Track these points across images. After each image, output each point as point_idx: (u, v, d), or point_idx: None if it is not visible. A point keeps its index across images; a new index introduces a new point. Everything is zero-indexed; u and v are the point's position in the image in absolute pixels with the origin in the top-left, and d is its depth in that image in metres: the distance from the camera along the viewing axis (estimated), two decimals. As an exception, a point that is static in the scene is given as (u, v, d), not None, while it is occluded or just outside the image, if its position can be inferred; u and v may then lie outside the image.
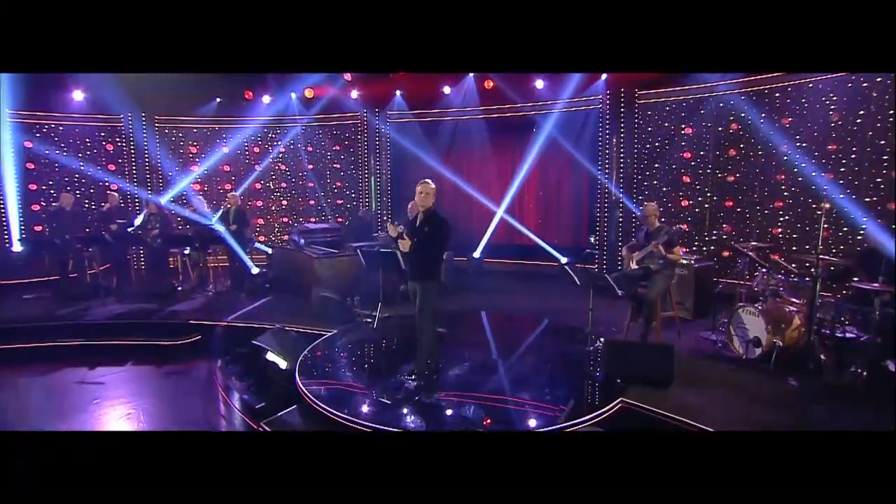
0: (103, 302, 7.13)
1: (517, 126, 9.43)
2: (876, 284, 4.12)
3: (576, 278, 5.21)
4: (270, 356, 4.65)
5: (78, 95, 8.98)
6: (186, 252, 8.19)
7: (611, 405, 3.94)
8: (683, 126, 7.97)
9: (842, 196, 6.38)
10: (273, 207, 10.48)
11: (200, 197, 8.11)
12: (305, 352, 5.00)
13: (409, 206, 6.88)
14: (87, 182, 9.31)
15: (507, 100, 9.20)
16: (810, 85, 6.80)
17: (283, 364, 4.61)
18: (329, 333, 5.65)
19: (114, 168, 9.58)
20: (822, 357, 4.26)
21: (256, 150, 10.33)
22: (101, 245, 7.66)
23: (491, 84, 8.89)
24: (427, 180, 4.29)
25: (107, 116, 9.41)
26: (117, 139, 9.61)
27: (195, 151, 10.16)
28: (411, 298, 4.43)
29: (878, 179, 6.23)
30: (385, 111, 10.09)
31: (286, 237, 10.26)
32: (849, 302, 4.42)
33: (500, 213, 9.04)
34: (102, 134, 9.51)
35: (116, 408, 4.75)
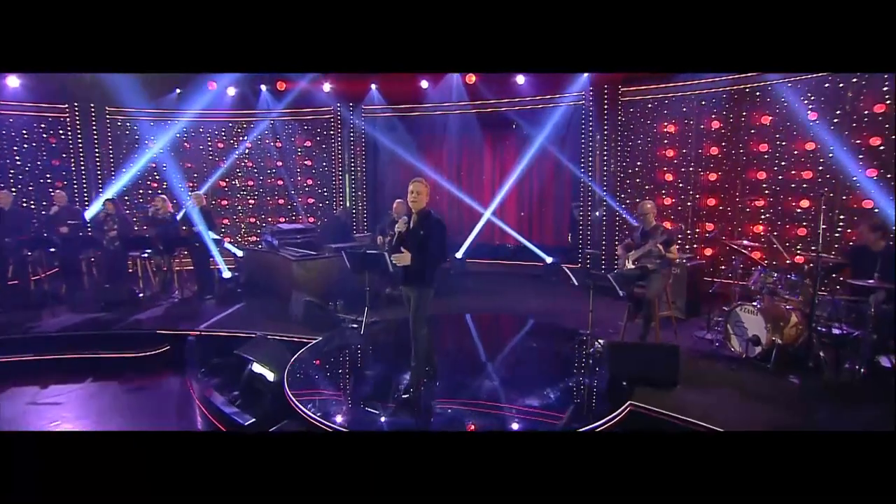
0: (52, 312, 6.63)
1: (498, 123, 9.42)
2: (871, 281, 4.27)
3: (573, 279, 5.20)
4: (257, 368, 4.41)
5: (13, 81, 8.25)
6: (146, 255, 7.73)
7: (620, 409, 3.93)
8: (666, 123, 8.15)
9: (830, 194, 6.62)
10: (239, 207, 10.07)
11: (164, 196, 7.65)
12: (292, 361, 4.78)
13: (395, 205, 6.75)
14: (26, 178, 8.65)
15: (488, 96, 9.17)
16: (789, 84, 7.07)
17: (271, 376, 4.37)
18: (314, 341, 5.43)
19: (58, 163, 8.95)
20: (821, 354, 4.40)
21: (221, 145, 9.89)
22: (47, 247, 7.12)
23: (473, 79, 8.82)
24: (420, 178, 4.08)
25: (49, 106, 8.77)
26: (60, 131, 8.96)
27: (152, 146, 9.62)
28: (405, 303, 4.26)
29: (854, 178, 6.52)
30: (360, 106, 9.86)
31: (254, 238, 9.91)
32: (844, 299, 4.57)
33: (487, 213, 8.98)
34: (43, 125, 8.85)
35: (81, 430, 4.40)
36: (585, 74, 8.47)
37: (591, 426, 3.70)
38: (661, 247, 4.92)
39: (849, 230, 6.56)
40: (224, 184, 9.93)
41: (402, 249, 4.02)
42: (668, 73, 7.82)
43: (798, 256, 6.97)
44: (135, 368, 5.55)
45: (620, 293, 4.74)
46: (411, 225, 4.07)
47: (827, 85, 6.69)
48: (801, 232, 7.04)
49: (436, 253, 4.05)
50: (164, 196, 7.62)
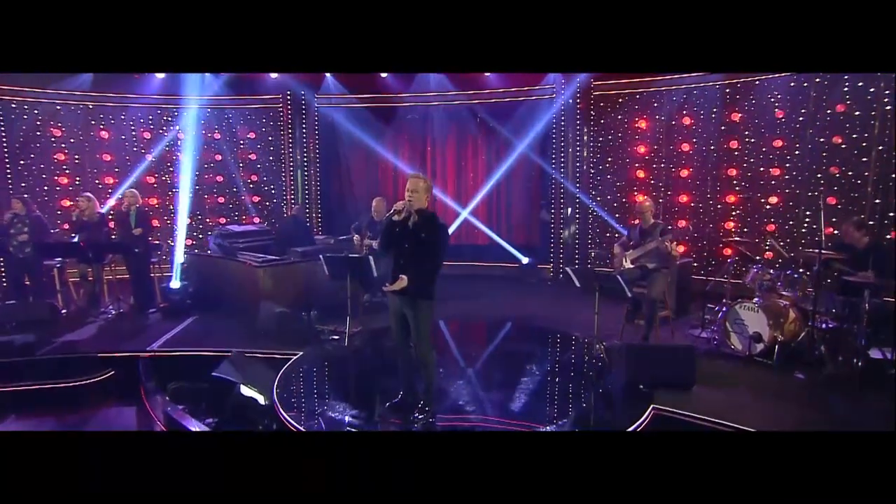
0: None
1: (465, 116, 9.41)
2: (862, 279, 4.66)
3: (575, 280, 5.27)
4: (245, 391, 4.07)
5: None
6: (58, 263, 6.94)
7: (645, 414, 4.03)
8: (637, 119, 8.51)
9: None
10: (171, 206, 9.31)
11: (89, 195, 6.88)
12: (277, 381, 4.47)
13: (374, 202, 6.53)
14: None
15: (454, 88, 9.13)
16: (756, 82, 7.62)
17: (262, 399, 4.06)
18: (295, 357, 5.12)
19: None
20: (822, 349, 4.76)
21: (147, 135, 9.10)
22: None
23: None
24: (418, 175, 3.85)
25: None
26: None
27: (60, 135, 8.69)
28: (394, 319, 3.97)
29: (819, 175, 7.15)
30: (314, 95, 9.46)
31: (189, 241, 9.21)
32: (838, 293, 4.97)
33: (465, 213, 8.91)
34: None
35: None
36: (557, 67, 8.67)
37: (621, 430, 3.77)
38: (668, 244, 5.10)
39: (814, 226, 7.18)
40: (153, 180, 9.15)
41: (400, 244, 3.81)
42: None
43: (768, 252, 7.55)
44: (72, 400, 4.94)
45: (629, 294, 4.86)
46: (410, 225, 3.78)
47: (792, 84, 7.27)
48: (770, 228, 7.61)
49: (438, 262, 3.83)
50: (89, 194, 6.86)
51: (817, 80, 7.10)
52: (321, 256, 5.48)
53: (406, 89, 9.22)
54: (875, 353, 4.82)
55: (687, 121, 8.17)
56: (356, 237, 6.32)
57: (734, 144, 7.82)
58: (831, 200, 7.01)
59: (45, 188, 8.66)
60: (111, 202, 8.65)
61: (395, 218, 3.75)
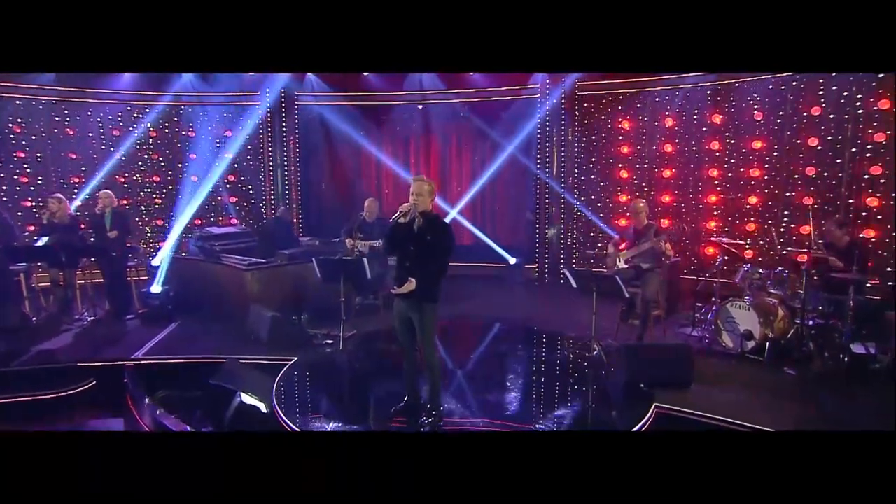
0: None
1: (450, 115, 9.46)
2: (849, 275, 4.94)
3: (572, 280, 5.40)
4: (247, 399, 4.03)
5: None
6: (21, 267, 6.66)
7: (649, 413, 4.16)
8: (621, 119, 8.72)
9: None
10: (143, 207, 9.06)
11: (60, 195, 6.62)
12: (275, 388, 4.43)
13: (366, 203, 6.52)
14: None
15: (439, 87, 9.18)
16: (736, 85, 7.91)
17: (264, 407, 4.03)
18: (289, 361, 5.07)
19: None
20: (810, 345, 5.01)
21: (117, 133, 8.82)
22: None
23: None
24: (422, 178, 3.88)
25: None
26: None
27: (20, 132, 8.33)
28: (398, 322, 3.99)
29: (797, 176, 7.48)
30: (294, 92, 9.35)
31: (162, 243, 8.99)
32: (823, 291, 5.24)
33: (453, 213, 8.93)
34: None
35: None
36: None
37: (626, 430, 3.89)
38: (663, 244, 5.27)
39: (792, 225, 7.52)
40: (123, 179, 8.87)
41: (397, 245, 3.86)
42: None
43: (747, 251, 7.85)
44: (54, 411, 4.77)
45: (626, 294, 5.02)
46: (416, 229, 3.80)
47: (770, 86, 7.58)
48: (750, 227, 7.93)
49: (444, 264, 3.87)
50: (59, 195, 6.60)
51: (794, 82, 7.42)
52: (314, 259, 5.45)
53: (391, 87, 9.21)
54: (858, 349, 5.09)
55: (669, 122, 8.41)
56: (348, 241, 6.29)
57: (715, 145, 8.09)
58: (808, 200, 7.33)
59: (5, 188, 8.29)
60: (77, 202, 8.36)
61: (401, 221, 3.77)
